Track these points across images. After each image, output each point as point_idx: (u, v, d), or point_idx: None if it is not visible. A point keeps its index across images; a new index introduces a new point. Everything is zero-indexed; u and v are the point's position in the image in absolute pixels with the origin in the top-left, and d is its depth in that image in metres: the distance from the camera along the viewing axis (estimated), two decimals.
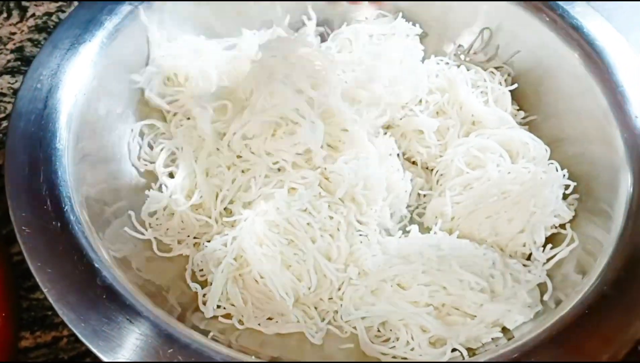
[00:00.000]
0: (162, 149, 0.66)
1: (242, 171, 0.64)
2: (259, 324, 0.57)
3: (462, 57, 0.76)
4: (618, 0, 0.86)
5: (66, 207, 0.51)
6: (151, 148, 0.67)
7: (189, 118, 0.67)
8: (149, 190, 0.63)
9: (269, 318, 0.58)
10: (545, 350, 0.47)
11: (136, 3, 0.66)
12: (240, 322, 0.57)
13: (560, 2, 0.68)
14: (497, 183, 0.61)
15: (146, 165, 0.65)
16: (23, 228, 0.50)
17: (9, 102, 0.73)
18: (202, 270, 0.60)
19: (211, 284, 0.58)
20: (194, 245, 0.62)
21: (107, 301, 0.47)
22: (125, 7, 0.65)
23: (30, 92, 0.57)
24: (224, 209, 0.63)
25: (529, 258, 0.61)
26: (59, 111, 0.57)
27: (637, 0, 0.88)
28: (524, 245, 0.60)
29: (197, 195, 0.62)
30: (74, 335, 0.46)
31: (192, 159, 0.63)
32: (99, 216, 0.55)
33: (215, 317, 0.57)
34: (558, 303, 0.53)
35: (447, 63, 0.73)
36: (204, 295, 0.57)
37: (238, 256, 0.58)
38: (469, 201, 0.62)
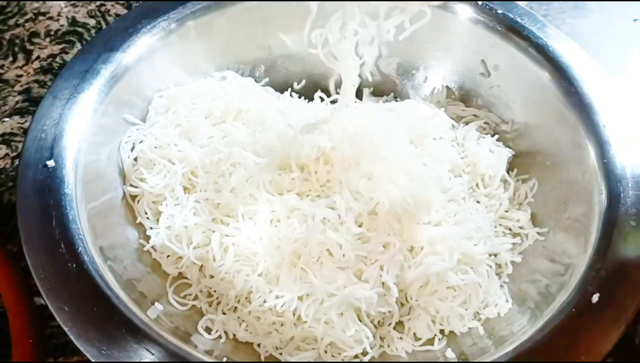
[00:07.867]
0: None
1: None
2: (280, 353, 0.59)
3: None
4: None
5: (79, 249, 0.54)
6: None
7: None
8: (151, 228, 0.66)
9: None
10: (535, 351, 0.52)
11: (129, 50, 0.70)
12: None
13: (526, 25, 0.73)
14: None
15: None
16: (40, 271, 0.52)
17: (19, 141, 0.77)
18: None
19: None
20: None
21: (127, 335, 0.49)
22: (119, 55, 0.69)
23: (35, 142, 0.60)
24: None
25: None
26: (65, 158, 0.60)
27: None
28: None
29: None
30: None
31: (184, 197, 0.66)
32: (111, 254, 0.58)
33: None
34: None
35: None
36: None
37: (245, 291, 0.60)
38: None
